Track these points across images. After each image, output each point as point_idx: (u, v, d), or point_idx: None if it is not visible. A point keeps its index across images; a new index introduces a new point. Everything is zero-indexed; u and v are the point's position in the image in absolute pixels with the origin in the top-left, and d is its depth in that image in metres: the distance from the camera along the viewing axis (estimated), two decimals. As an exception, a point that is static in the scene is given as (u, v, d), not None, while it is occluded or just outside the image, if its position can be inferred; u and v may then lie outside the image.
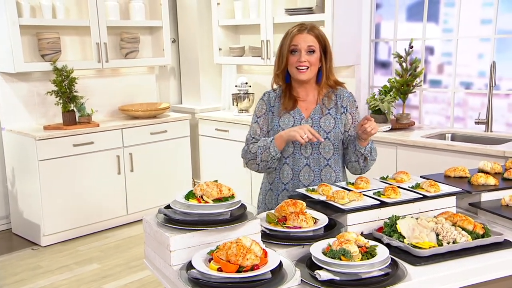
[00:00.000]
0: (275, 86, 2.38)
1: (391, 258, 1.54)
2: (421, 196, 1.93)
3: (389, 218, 1.78)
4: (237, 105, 4.97)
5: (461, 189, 2.02)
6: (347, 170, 2.41)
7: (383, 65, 4.63)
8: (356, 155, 2.26)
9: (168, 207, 1.72)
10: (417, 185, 2.03)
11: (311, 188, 2.08)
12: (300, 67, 2.22)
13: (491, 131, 3.76)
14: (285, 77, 2.30)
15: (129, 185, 4.63)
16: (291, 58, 2.24)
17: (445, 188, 2.00)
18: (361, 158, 2.26)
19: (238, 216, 1.65)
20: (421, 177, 2.22)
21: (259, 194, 2.44)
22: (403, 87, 3.96)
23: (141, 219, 5.19)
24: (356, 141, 2.24)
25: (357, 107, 2.36)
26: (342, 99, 2.32)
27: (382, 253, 1.53)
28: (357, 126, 2.21)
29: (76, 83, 4.32)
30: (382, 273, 1.48)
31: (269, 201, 2.36)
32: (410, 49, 3.92)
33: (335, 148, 2.28)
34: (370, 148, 2.26)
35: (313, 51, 2.23)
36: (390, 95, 3.96)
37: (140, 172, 4.69)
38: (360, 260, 1.49)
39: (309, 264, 1.54)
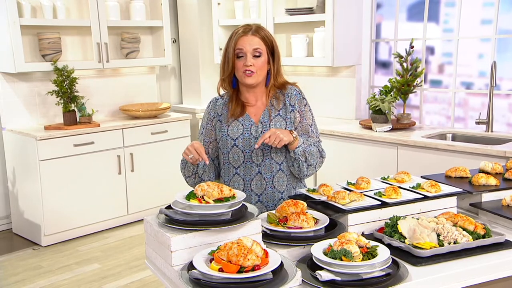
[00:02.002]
0: (222, 92, 2.27)
1: (392, 258, 1.54)
2: (422, 196, 1.93)
3: (390, 219, 1.78)
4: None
5: (462, 190, 2.02)
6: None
7: (383, 65, 4.63)
8: (290, 157, 2.16)
9: (169, 207, 1.72)
10: (418, 186, 2.03)
11: (311, 188, 2.08)
12: (247, 71, 2.11)
13: (492, 131, 3.76)
14: (231, 82, 2.20)
15: (130, 185, 4.63)
16: (237, 63, 2.13)
17: (446, 189, 2.00)
18: (295, 162, 2.15)
19: (239, 216, 1.65)
20: (422, 177, 2.22)
21: None
22: (403, 87, 3.96)
23: (142, 219, 5.17)
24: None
25: (306, 104, 2.25)
26: (290, 97, 2.22)
27: (383, 253, 1.53)
28: None
29: (76, 83, 4.33)
30: (383, 273, 1.48)
31: None
32: (411, 49, 3.92)
33: (287, 151, 2.19)
34: (304, 151, 2.12)
35: (260, 54, 2.12)
36: (391, 95, 3.96)
37: (140, 172, 4.69)
38: (361, 261, 1.49)
39: (310, 264, 1.54)
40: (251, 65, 2.11)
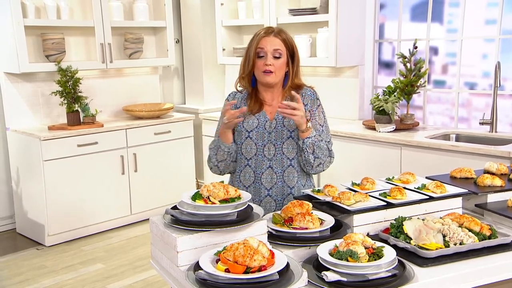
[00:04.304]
0: (239, 88, 2.35)
1: (398, 259, 1.54)
2: (427, 197, 1.93)
3: (395, 219, 1.78)
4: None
5: (467, 190, 2.01)
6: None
7: (387, 65, 4.62)
8: (298, 145, 2.21)
9: (175, 207, 1.72)
10: (423, 186, 2.02)
11: (316, 189, 2.08)
12: (266, 71, 2.18)
13: (496, 131, 3.75)
14: (251, 80, 2.27)
15: (133, 185, 4.64)
16: (258, 62, 2.20)
17: (451, 189, 2.00)
18: (302, 153, 2.19)
19: (245, 217, 1.65)
20: (427, 178, 2.21)
21: None
22: (407, 88, 3.96)
23: (145, 219, 5.17)
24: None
25: (319, 105, 2.30)
26: (304, 97, 2.29)
27: (389, 254, 1.53)
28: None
29: (80, 83, 4.34)
30: (389, 274, 1.48)
31: None
32: (414, 50, 3.91)
33: (298, 148, 2.24)
34: (313, 144, 2.16)
35: (280, 55, 2.19)
36: (394, 96, 3.96)
37: (144, 172, 4.69)
38: (367, 261, 1.49)
39: (316, 265, 1.54)
40: (270, 65, 2.18)
